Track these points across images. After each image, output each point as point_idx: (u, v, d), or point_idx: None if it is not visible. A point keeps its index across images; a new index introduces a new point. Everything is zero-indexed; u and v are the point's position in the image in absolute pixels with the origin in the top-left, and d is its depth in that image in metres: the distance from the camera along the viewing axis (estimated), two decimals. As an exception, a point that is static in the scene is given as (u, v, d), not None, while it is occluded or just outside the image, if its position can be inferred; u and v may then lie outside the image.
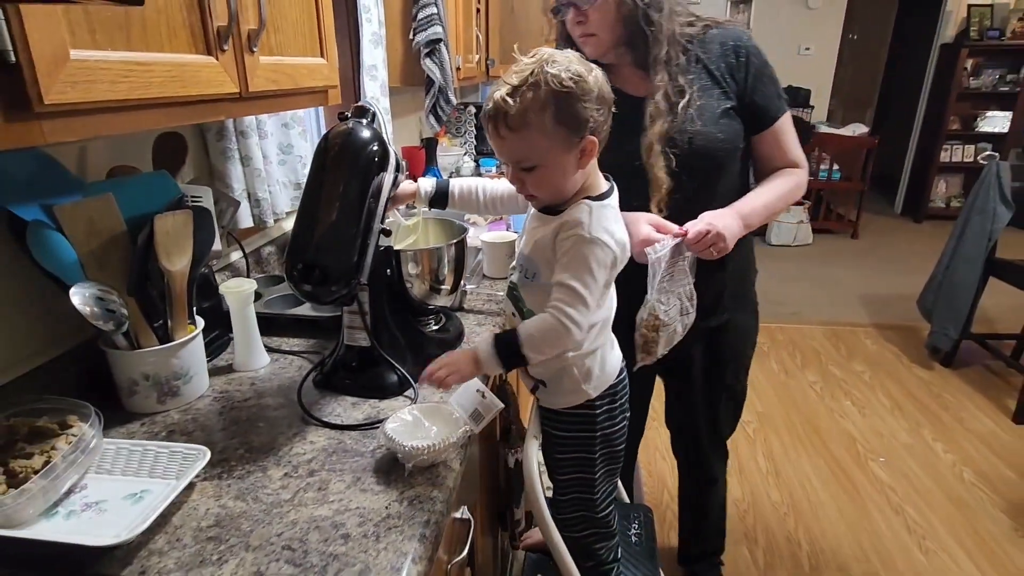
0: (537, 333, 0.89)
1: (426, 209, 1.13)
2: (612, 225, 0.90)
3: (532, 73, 0.82)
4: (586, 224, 0.87)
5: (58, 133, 0.57)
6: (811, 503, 2.09)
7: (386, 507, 0.74)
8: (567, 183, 0.89)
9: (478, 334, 1.21)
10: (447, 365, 0.90)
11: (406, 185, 1.07)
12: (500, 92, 0.84)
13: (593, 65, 0.87)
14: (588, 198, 0.90)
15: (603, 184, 0.95)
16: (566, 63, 0.83)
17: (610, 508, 1.15)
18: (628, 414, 1.09)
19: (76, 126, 0.59)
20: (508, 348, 0.90)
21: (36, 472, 0.70)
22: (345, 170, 0.91)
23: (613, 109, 0.89)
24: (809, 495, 2.13)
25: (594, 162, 0.92)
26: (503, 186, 1.10)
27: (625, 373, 1.07)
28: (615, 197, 0.94)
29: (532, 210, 1.01)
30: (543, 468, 1.12)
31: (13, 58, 0.50)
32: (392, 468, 0.81)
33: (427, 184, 1.10)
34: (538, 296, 0.95)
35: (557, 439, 1.06)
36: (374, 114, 0.97)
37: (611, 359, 1.03)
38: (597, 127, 0.86)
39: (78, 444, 0.74)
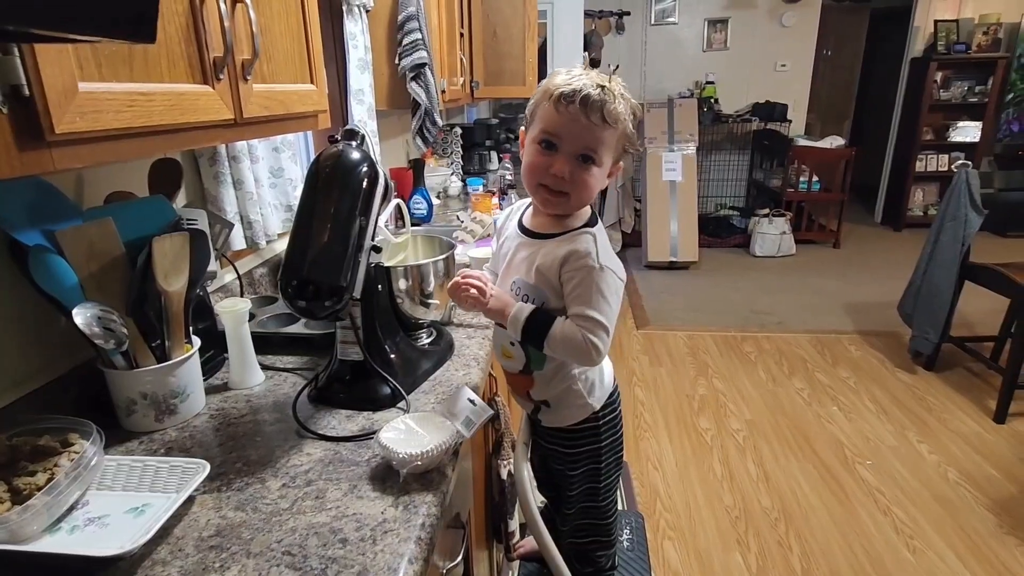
0: (565, 339, 0.92)
1: (414, 229, 1.18)
2: (612, 252, 0.96)
3: (614, 86, 0.90)
4: (594, 254, 0.92)
5: (67, 160, 0.61)
6: (801, 507, 2.12)
7: (382, 512, 0.76)
8: (593, 194, 0.95)
9: (468, 346, 1.24)
10: (476, 284, 0.94)
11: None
12: (591, 80, 0.88)
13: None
14: (586, 226, 0.95)
15: (590, 210, 1.00)
16: (628, 93, 0.92)
17: (614, 516, 1.18)
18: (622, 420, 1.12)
19: (84, 153, 0.62)
20: (537, 329, 0.93)
21: (40, 489, 0.72)
22: (336, 190, 0.95)
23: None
24: (799, 500, 2.16)
25: None
26: (494, 262, 1.14)
27: (617, 382, 1.11)
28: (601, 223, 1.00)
29: (510, 233, 1.04)
30: (532, 477, 1.15)
31: (27, 91, 0.54)
32: (387, 476, 0.83)
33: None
34: None
35: (565, 456, 1.09)
36: (363, 136, 1.01)
37: (607, 368, 1.07)
38: (626, 155, 0.95)
39: (80, 461, 0.76)
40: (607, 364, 1.06)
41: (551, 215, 1.00)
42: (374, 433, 0.90)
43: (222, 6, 0.80)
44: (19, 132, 0.55)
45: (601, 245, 0.93)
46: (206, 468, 0.80)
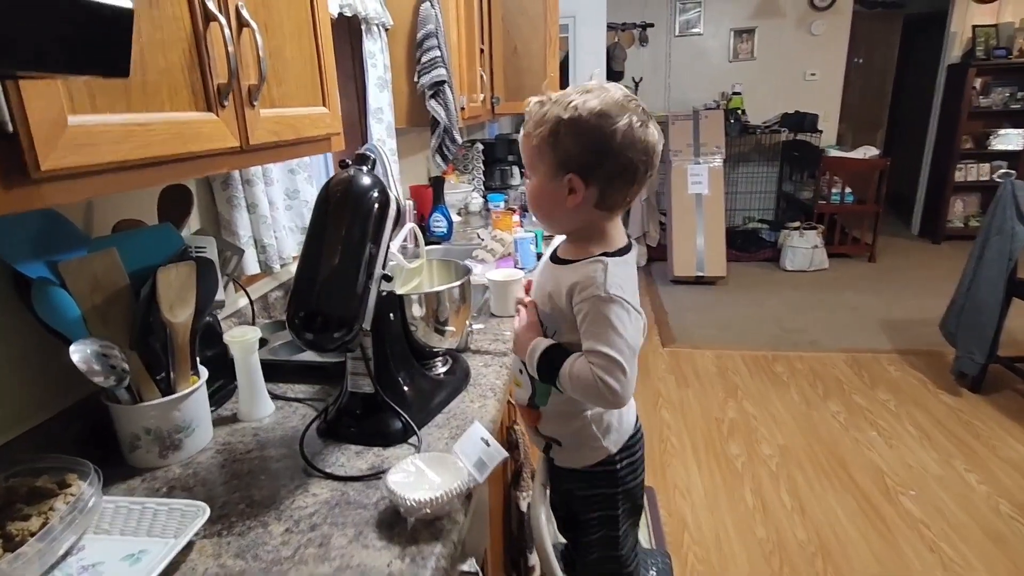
0: (575, 379, 0.87)
1: (434, 247, 1.14)
2: (628, 284, 0.87)
3: (566, 93, 0.85)
4: (600, 282, 0.84)
5: (59, 196, 0.58)
6: (840, 541, 2.00)
7: (387, 565, 0.71)
8: (555, 213, 0.90)
9: (484, 375, 1.19)
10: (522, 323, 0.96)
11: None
12: (538, 98, 0.87)
13: (634, 115, 0.83)
14: (605, 254, 0.89)
15: (621, 239, 0.92)
16: (594, 95, 0.83)
17: (635, 562, 1.11)
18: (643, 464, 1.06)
19: (77, 188, 0.60)
20: (547, 365, 0.90)
21: (33, 535, 0.69)
22: (346, 217, 0.91)
23: (649, 172, 0.87)
24: (837, 533, 2.04)
25: (613, 216, 0.91)
26: None
27: (640, 423, 1.04)
28: (633, 254, 0.93)
29: (545, 258, 1.00)
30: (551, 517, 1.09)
31: (11, 128, 0.51)
32: (395, 521, 0.78)
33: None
34: None
35: (578, 499, 1.03)
36: (375, 161, 0.98)
37: (628, 412, 1.00)
38: (590, 171, 0.84)
39: (76, 504, 0.73)
40: (628, 404, 0.99)
41: (573, 241, 0.95)
42: (383, 472, 0.86)
43: (227, 32, 0.77)
44: (3, 170, 0.52)
45: (611, 274, 0.85)
46: (206, 512, 0.76)
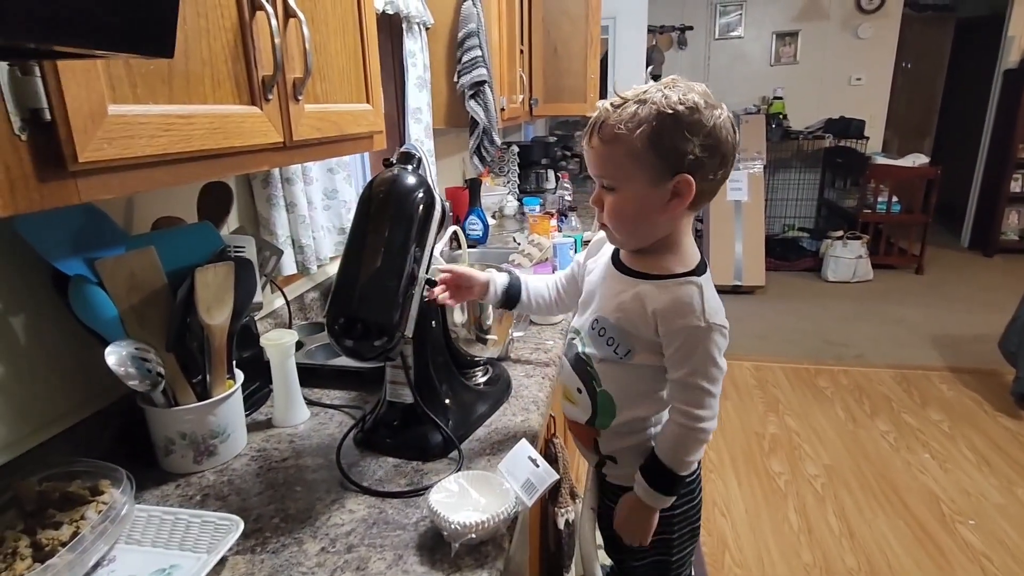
0: (678, 453, 0.84)
1: (470, 251, 1.08)
2: (721, 306, 0.82)
3: (646, 91, 0.77)
4: (698, 310, 0.79)
5: (94, 191, 0.54)
6: (892, 570, 1.88)
7: (430, 594, 0.66)
8: (647, 225, 0.81)
9: (526, 386, 1.14)
10: (636, 532, 0.91)
11: (474, 282, 0.96)
12: (607, 101, 0.79)
13: (723, 107, 0.80)
14: (691, 273, 0.82)
15: (695, 250, 0.86)
16: (687, 89, 0.77)
17: None
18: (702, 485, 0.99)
19: (113, 183, 0.56)
20: (664, 479, 0.86)
21: (63, 545, 0.66)
22: (389, 219, 0.87)
23: (735, 166, 0.82)
24: (890, 561, 1.92)
25: (688, 223, 0.84)
26: (568, 279, 1.04)
27: None
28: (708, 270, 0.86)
29: (601, 262, 0.93)
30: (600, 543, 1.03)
31: (48, 116, 0.48)
32: (437, 545, 0.73)
33: (499, 284, 0.99)
34: (626, 379, 0.88)
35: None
36: (420, 160, 0.93)
37: None
38: (699, 168, 0.77)
39: (108, 513, 0.70)
40: None
41: (647, 252, 0.87)
42: (423, 490, 0.81)
43: (273, 22, 0.73)
44: (39, 162, 0.49)
45: (707, 299, 0.80)
46: (239, 526, 0.73)
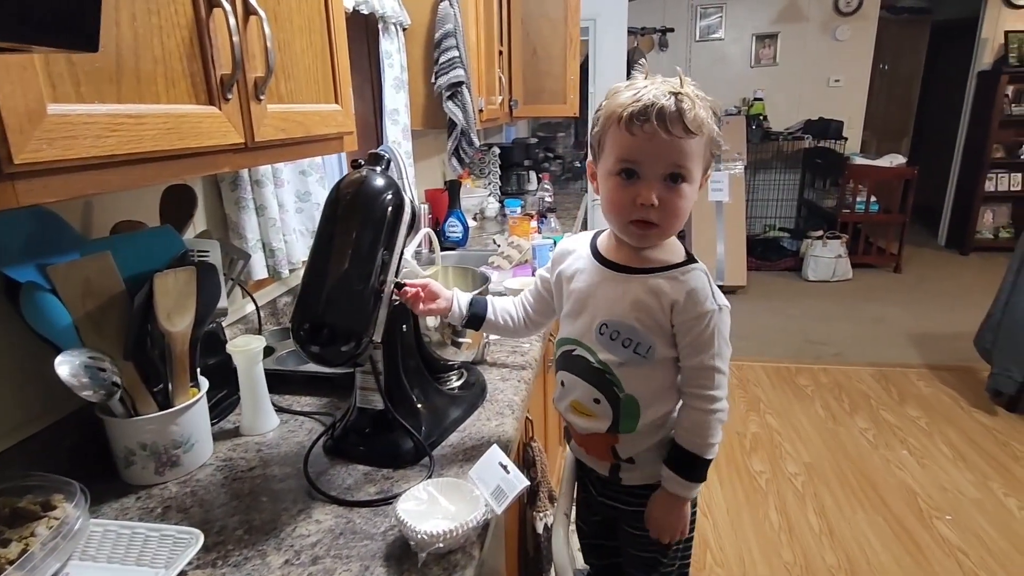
0: (704, 437, 0.86)
1: (449, 253, 1.07)
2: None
3: (684, 83, 0.79)
4: (711, 294, 0.83)
5: (35, 194, 0.52)
6: (871, 567, 1.90)
7: (395, 607, 0.64)
8: (686, 217, 0.84)
9: (502, 391, 1.12)
10: (675, 525, 0.92)
11: (440, 295, 0.93)
12: (669, 88, 0.77)
13: None
14: (689, 260, 0.86)
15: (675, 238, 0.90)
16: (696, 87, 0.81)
17: None
18: None
19: (56, 185, 0.54)
20: (693, 465, 0.87)
21: (11, 563, 0.63)
22: (357, 221, 0.85)
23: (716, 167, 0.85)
24: (869, 557, 1.94)
25: None
26: (536, 297, 1.02)
27: None
28: None
29: (583, 267, 0.91)
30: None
31: (-21, 115, 0.46)
32: (404, 555, 0.72)
33: (463, 301, 0.96)
34: (650, 377, 0.87)
35: (632, 515, 0.95)
36: (389, 161, 0.91)
37: None
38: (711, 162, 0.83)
39: (60, 528, 0.67)
40: None
41: (639, 248, 0.87)
42: (392, 498, 0.79)
43: (231, 20, 0.71)
44: (-29, 163, 0.46)
45: (712, 281, 0.85)
46: (199, 540, 0.70)
